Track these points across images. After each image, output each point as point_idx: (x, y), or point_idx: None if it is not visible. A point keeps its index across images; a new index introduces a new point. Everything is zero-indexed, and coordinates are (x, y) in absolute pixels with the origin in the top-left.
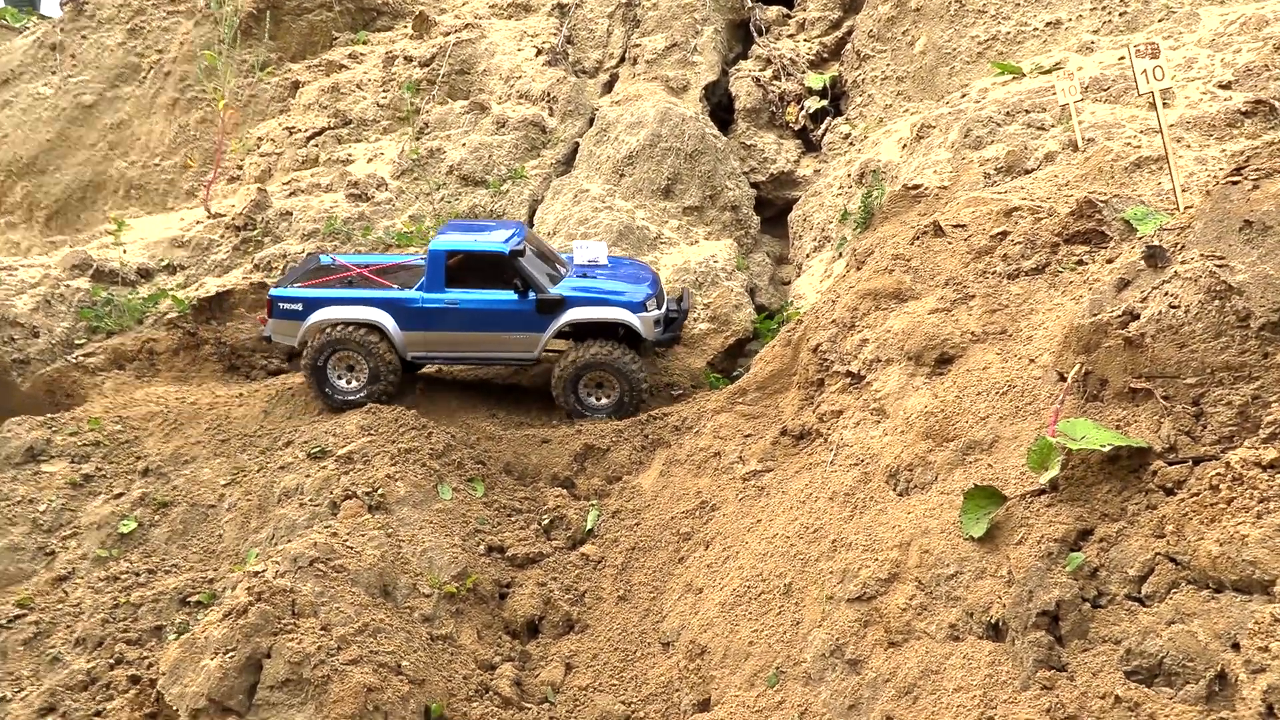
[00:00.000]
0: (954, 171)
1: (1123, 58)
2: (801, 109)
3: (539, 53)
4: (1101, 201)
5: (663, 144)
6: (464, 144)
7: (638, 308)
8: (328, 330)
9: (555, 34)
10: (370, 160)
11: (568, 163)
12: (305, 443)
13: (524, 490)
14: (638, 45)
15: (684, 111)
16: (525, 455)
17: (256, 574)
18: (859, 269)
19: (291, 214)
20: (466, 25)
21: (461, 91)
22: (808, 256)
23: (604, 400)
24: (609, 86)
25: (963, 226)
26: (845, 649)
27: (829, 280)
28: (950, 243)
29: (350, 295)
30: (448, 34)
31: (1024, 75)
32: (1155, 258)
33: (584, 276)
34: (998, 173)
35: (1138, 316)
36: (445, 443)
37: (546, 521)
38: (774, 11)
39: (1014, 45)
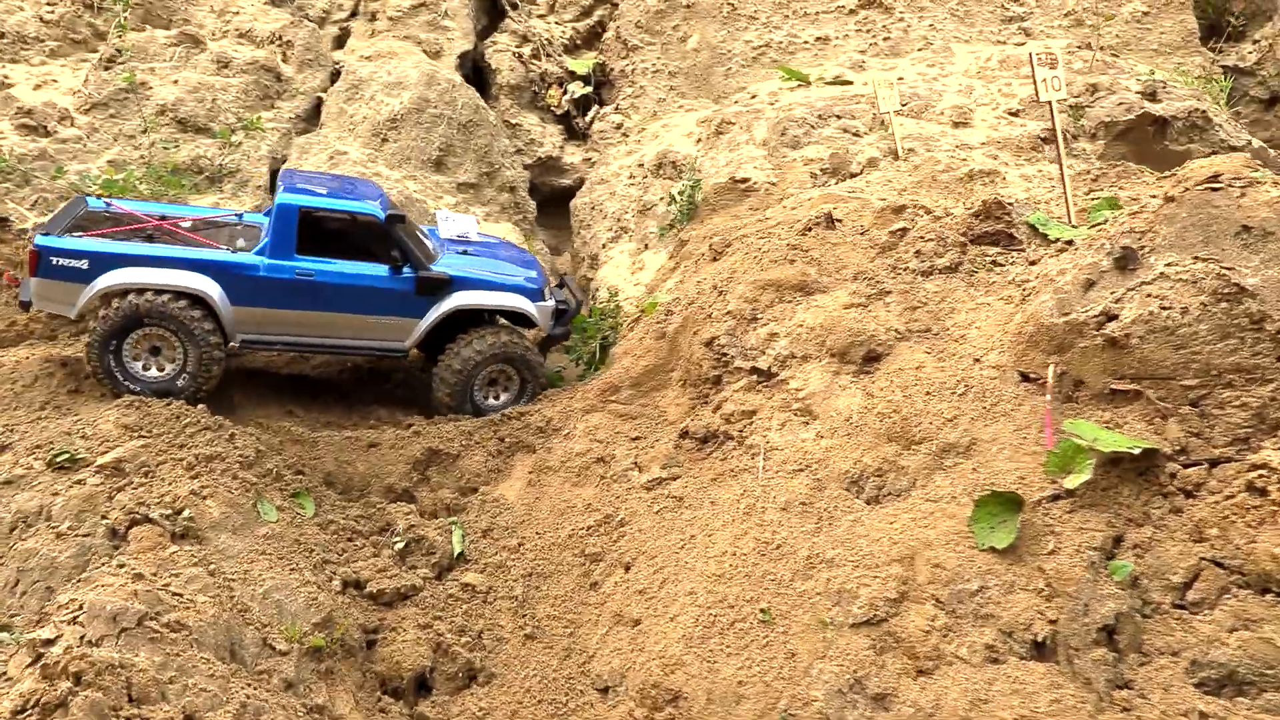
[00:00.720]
0: (776, 168)
1: (896, 78)
2: (565, 93)
3: None
4: (1009, 203)
5: (431, 110)
6: (176, 81)
7: (536, 295)
8: (129, 299)
9: None
10: (38, 88)
11: (310, 119)
12: (36, 448)
13: (355, 507)
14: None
15: (453, 77)
16: (349, 463)
17: (50, 642)
18: (716, 259)
19: None
20: None
21: (161, 19)
22: (604, 247)
23: (501, 398)
24: (340, 41)
25: (840, 221)
26: (866, 682)
27: (643, 271)
28: (845, 236)
29: (162, 254)
30: None
31: (810, 84)
32: (1126, 260)
33: (464, 254)
34: (824, 174)
35: (1116, 317)
36: (254, 448)
37: (401, 545)
38: None
39: (786, 54)
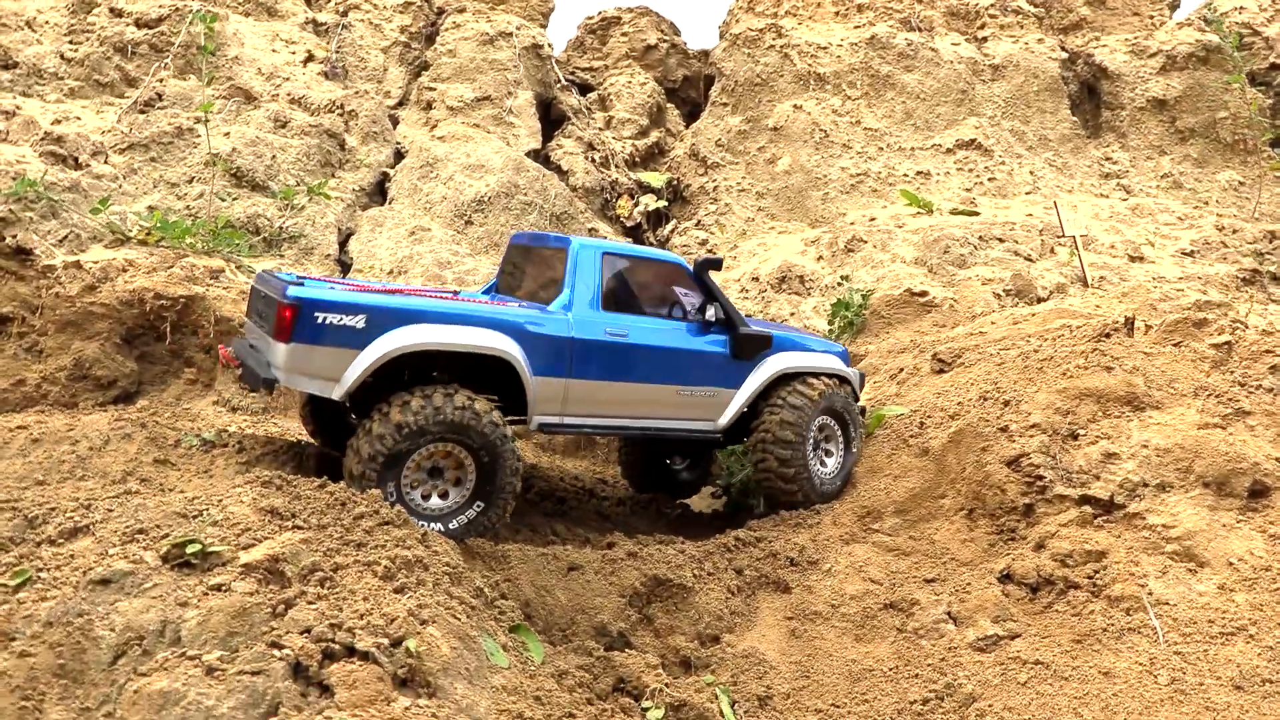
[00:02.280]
0: (948, 285)
1: (1026, 213)
2: (636, 204)
3: (308, 60)
4: None
5: (521, 196)
6: (228, 134)
7: (846, 359)
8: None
9: (322, 48)
10: (57, 123)
11: (373, 194)
12: (137, 533)
13: (570, 651)
14: (433, 89)
15: (541, 166)
16: (547, 590)
17: None
18: (943, 371)
19: None
20: None
21: (202, 72)
22: None
23: (828, 464)
24: (392, 124)
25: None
26: None
27: None
28: (1157, 347)
29: (459, 310)
30: None
31: (932, 212)
32: None
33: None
34: (1007, 294)
35: None
36: (456, 555)
37: (658, 713)
38: (575, 101)
39: (886, 185)
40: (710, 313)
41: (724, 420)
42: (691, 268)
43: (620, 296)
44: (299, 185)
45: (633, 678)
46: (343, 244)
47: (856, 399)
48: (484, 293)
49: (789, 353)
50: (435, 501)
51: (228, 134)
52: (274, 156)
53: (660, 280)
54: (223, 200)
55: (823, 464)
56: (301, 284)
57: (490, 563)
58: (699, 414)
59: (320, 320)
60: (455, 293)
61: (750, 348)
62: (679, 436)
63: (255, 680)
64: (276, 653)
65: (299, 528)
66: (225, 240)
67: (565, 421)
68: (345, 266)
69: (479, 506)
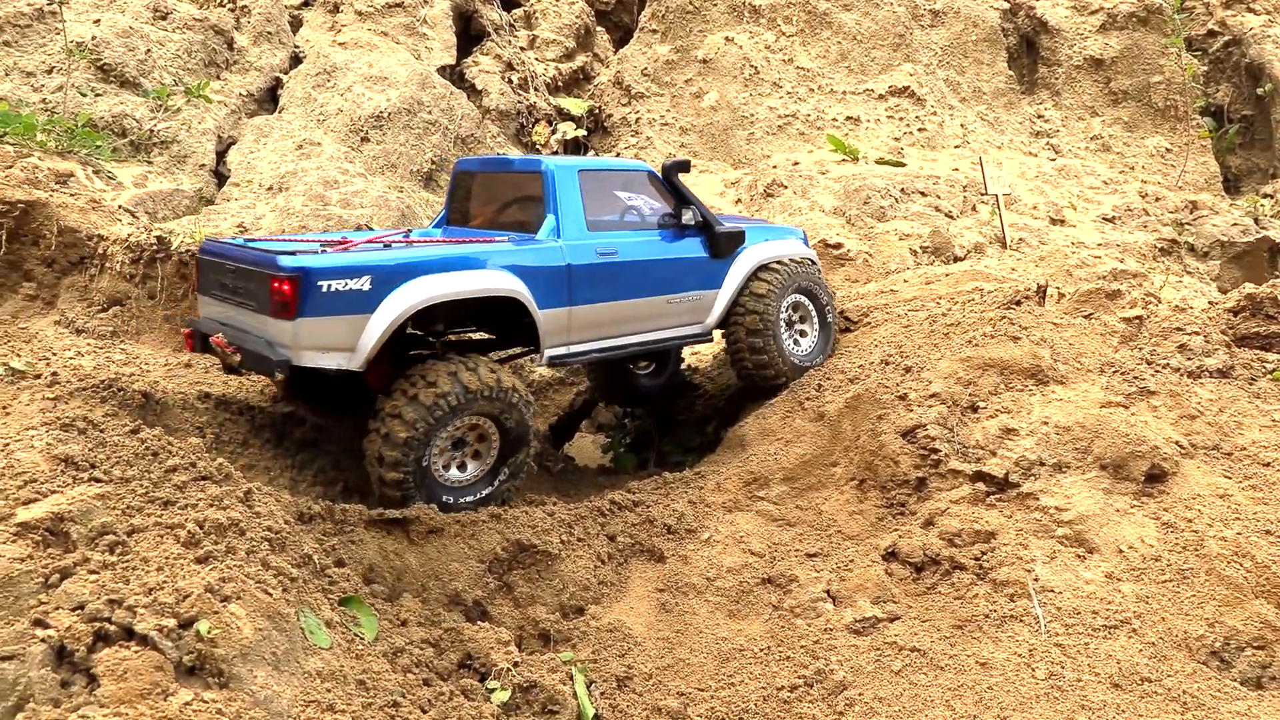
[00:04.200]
0: (865, 239)
1: (952, 167)
2: (553, 131)
3: None
4: None
5: (425, 114)
6: (98, 21)
7: (805, 239)
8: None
9: None
10: None
11: (263, 100)
12: None
13: (415, 625)
14: None
15: (450, 84)
16: (397, 554)
17: None
18: (847, 330)
19: None
20: None
21: None
22: None
23: (803, 343)
24: (293, 28)
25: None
26: None
27: None
28: (1068, 318)
29: (462, 254)
30: None
31: (857, 160)
32: None
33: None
34: (924, 251)
35: None
36: (282, 517)
37: (504, 695)
38: (497, 16)
39: (814, 128)
40: (687, 216)
41: (712, 320)
42: (660, 173)
43: (600, 213)
44: (176, 85)
45: (480, 654)
46: (221, 154)
47: (820, 273)
48: (435, 226)
49: (761, 244)
50: (454, 473)
51: (98, 21)
52: (149, 51)
53: (632, 190)
54: (84, 96)
55: (797, 343)
56: (293, 253)
57: (326, 524)
58: (689, 319)
59: (326, 289)
60: (407, 232)
61: (728, 245)
62: (675, 345)
63: (5, 666)
64: (39, 633)
65: (97, 480)
66: (84, 140)
67: (572, 351)
68: (221, 178)
69: (502, 478)
